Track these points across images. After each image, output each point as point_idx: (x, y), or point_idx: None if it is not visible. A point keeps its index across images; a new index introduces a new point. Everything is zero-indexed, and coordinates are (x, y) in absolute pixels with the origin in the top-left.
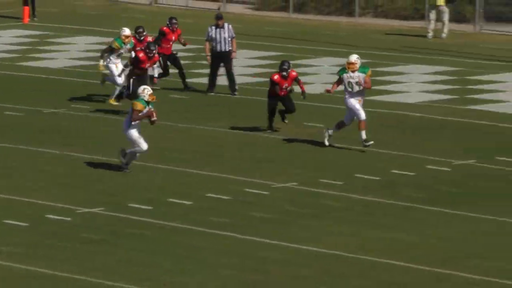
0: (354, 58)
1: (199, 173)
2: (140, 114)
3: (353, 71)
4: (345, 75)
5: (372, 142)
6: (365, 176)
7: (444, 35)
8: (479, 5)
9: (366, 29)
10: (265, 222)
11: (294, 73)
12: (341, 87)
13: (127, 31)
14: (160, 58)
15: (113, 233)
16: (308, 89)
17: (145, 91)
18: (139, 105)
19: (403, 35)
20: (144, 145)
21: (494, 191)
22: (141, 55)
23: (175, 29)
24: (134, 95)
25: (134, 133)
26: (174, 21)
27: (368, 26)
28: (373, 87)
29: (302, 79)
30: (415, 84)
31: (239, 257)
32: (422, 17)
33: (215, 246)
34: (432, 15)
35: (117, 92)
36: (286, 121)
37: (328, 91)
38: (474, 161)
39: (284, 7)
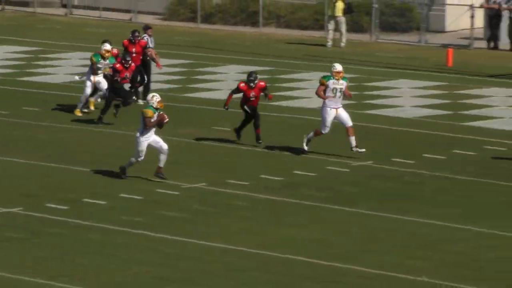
0: (341, 67)
1: (112, 174)
2: (152, 120)
3: (338, 79)
4: (331, 81)
5: (364, 150)
6: (269, 177)
7: (342, 44)
8: (375, 16)
9: (269, 38)
10: (175, 220)
11: (262, 83)
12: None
13: (107, 46)
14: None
15: (32, 232)
16: (215, 95)
17: (154, 98)
18: (149, 112)
19: (304, 44)
20: (142, 158)
21: (390, 191)
22: (117, 65)
23: (137, 41)
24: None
25: (143, 143)
26: (136, 34)
27: (271, 35)
28: (275, 93)
29: (210, 85)
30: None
31: (151, 253)
32: (322, 27)
33: (128, 243)
34: (331, 25)
35: (81, 104)
36: (260, 142)
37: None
38: (371, 162)
39: (192, 18)
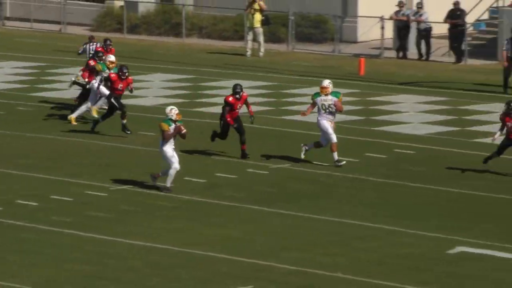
0: (326, 83)
1: (44, 177)
2: (169, 132)
3: (326, 95)
4: (318, 99)
5: (344, 162)
6: (192, 179)
7: (261, 53)
8: (292, 28)
9: (192, 48)
10: (103, 220)
11: (245, 95)
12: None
13: (112, 58)
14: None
15: None
16: (141, 101)
17: (172, 111)
18: (164, 126)
19: (224, 53)
20: (176, 164)
21: (306, 192)
22: (112, 75)
23: (109, 49)
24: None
25: (168, 151)
26: (108, 42)
27: (194, 45)
28: (198, 100)
29: (137, 92)
30: None
31: (80, 252)
32: (242, 38)
33: (59, 242)
34: (249, 36)
35: (78, 112)
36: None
37: (303, 114)
38: (289, 165)
39: (119, 29)
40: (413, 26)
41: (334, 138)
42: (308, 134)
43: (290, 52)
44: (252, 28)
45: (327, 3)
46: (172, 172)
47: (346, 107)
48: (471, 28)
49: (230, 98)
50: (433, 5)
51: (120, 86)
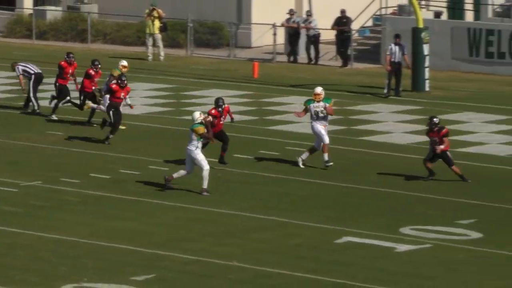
0: (319, 90)
1: None
2: (206, 133)
3: (318, 101)
4: (311, 105)
5: (332, 163)
6: (99, 175)
7: (161, 58)
8: (190, 34)
9: (97, 53)
10: (14, 214)
11: (227, 106)
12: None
13: (124, 62)
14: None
15: None
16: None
17: (202, 115)
18: (201, 129)
19: (128, 58)
20: (207, 165)
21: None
22: (113, 86)
23: (72, 62)
24: (116, 123)
25: (199, 155)
26: (71, 55)
27: (98, 51)
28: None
29: (44, 95)
30: (139, 99)
31: None
32: (144, 43)
33: None
34: (150, 41)
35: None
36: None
37: (298, 114)
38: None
39: (28, 35)
40: (303, 33)
41: (326, 139)
42: None
43: (189, 57)
44: (152, 34)
45: (223, 11)
46: (206, 174)
47: (241, 108)
48: (356, 35)
49: (213, 111)
50: (321, 13)
51: (122, 95)
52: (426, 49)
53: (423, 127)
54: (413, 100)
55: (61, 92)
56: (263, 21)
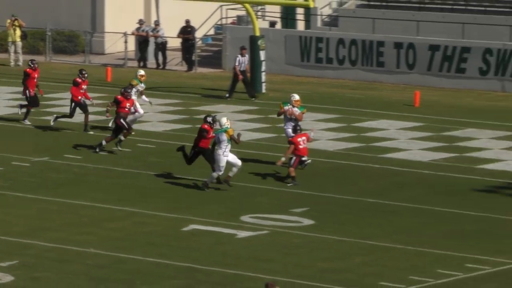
0: (298, 97)
1: None
2: (237, 137)
3: (293, 106)
4: (287, 108)
5: (309, 160)
6: None
7: (20, 63)
8: (49, 41)
9: None
10: None
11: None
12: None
13: (142, 72)
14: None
15: None
16: None
17: (228, 120)
18: (231, 131)
19: None
20: (239, 162)
21: (63, 180)
22: (119, 97)
23: (35, 68)
24: (119, 131)
25: (224, 160)
26: (34, 61)
27: None
28: None
29: None
30: (2, 101)
31: None
32: (6, 50)
33: None
34: (12, 49)
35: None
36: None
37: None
38: (48, 158)
39: None
40: (152, 40)
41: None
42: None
43: (48, 63)
44: (13, 42)
45: (79, 21)
46: (236, 170)
47: (96, 109)
48: (200, 42)
49: (206, 126)
50: (168, 23)
51: (127, 105)
52: (262, 55)
53: (261, 125)
54: (251, 101)
55: None
56: (115, 30)
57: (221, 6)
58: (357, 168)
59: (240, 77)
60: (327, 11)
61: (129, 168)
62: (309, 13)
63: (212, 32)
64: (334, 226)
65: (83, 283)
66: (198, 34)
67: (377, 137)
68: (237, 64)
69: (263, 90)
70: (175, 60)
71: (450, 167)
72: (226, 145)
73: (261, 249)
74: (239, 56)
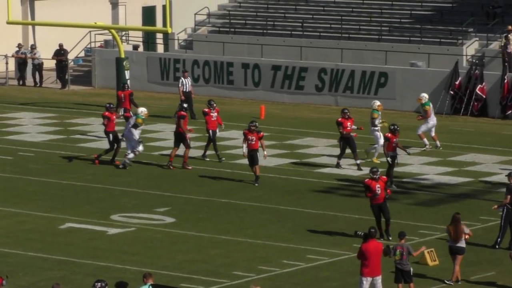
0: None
1: None
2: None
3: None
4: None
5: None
6: None
7: None
8: None
9: None
10: None
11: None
12: None
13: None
14: None
15: None
16: None
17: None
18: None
19: None
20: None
21: None
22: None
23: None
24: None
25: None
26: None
27: None
28: None
29: None
30: None
31: None
32: None
33: None
34: None
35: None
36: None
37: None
38: None
39: None
40: (30, 62)
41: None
42: None
43: None
44: None
45: None
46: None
47: None
48: (72, 63)
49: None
50: (43, 46)
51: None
52: (127, 74)
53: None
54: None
55: None
56: None
57: (90, 31)
58: (205, 171)
59: (183, 97)
60: (183, 36)
61: (11, 174)
62: (167, 38)
63: (82, 54)
64: (192, 223)
65: None
66: (70, 56)
67: (227, 145)
68: (180, 85)
69: None
70: (50, 79)
71: (292, 171)
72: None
73: (129, 243)
74: (182, 78)
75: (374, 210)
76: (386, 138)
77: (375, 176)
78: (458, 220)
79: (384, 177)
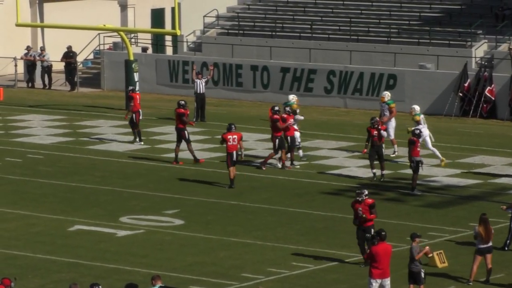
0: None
1: None
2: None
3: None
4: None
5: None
6: None
7: None
8: None
9: None
10: None
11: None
12: None
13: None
14: None
15: None
16: None
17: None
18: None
19: None
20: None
21: None
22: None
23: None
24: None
25: None
26: None
27: None
28: None
29: None
30: None
31: None
32: None
33: None
34: None
35: None
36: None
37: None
38: None
39: None
40: (39, 64)
41: None
42: None
43: None
44: None
45: None
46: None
47: None
48: (81, 65)
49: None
50: (52, 49)
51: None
52: (136, 76)
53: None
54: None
55: None
56: (6, 55)
57: (99, 34)
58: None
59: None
60: (192, 38)
61: (21, 176)
62: (176, 40)
63: (91, 56)
64: (201, 225)
65: None
66: (79, 58)
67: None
68: (195, 88)
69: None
70: (59, 81)
71: (301, 173)
72: None
73: (138, 246)
74: (197, 80)
75: (357, 232)
76: (412, 142)
77: (358, 198)
78: (486, 220)
79: (370, 200)
